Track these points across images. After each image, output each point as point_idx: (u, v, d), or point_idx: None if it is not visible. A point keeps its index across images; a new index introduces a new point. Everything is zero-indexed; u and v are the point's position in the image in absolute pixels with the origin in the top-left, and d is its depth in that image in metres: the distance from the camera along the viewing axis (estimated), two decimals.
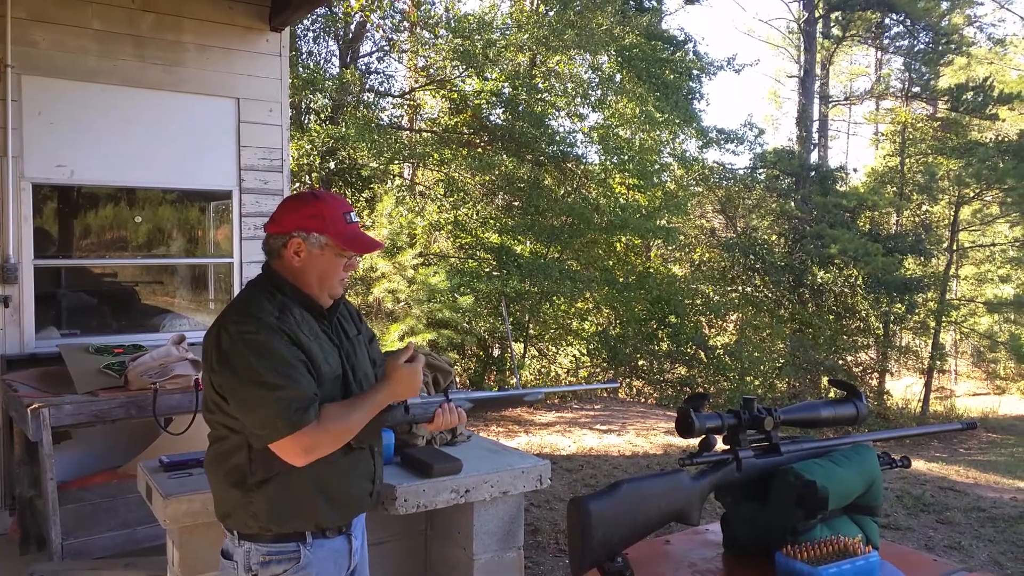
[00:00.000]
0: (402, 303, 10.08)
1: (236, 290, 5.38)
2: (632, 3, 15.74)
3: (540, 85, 13.70)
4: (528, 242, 13.28)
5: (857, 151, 45.91)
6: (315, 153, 11.48)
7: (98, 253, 5.41)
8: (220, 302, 5.66)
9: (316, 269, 1.96)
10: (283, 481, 1.87)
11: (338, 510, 1.95)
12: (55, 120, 4.72)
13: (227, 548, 1.96)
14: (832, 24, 20.96)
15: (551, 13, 13.53)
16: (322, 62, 13.34)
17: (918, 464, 7.69)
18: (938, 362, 18.59)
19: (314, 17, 12.29)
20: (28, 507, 4.24)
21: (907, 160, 19.84)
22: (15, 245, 4.59)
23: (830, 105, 23.21)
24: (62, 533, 3.76)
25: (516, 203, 13.36)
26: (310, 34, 12.94)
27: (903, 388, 18.72)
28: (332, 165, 12.10)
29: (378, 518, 2.68)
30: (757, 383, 14.36)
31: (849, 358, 16.72)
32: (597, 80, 14.28)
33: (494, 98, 13.22)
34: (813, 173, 18.17)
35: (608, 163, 13.92)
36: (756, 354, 15.03)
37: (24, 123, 4.61)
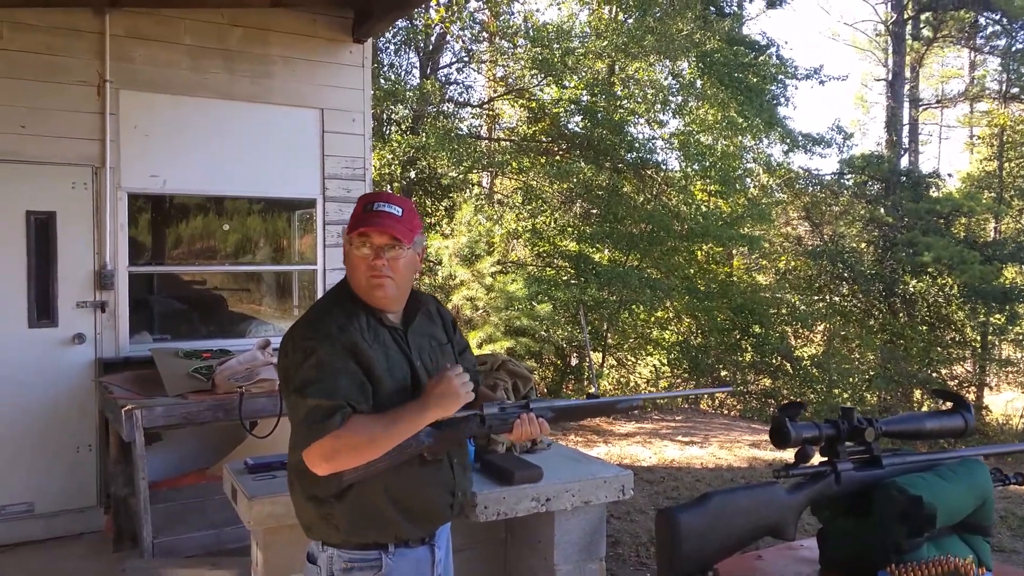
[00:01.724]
0: (480, 311, 10.12)
1: (319, 296, 5.48)
2: (712, 9, 15.50)
3: (619, 92, 13.60)
4: (606, 250, 13.17)
5: (950, 155, 44.24)
6: (396, 163, 11.65)
7: (188, 260, 5.58)
8: (304, 308, 5.74)
9: (350, 267, 1.95)
10: (357, 493, 1.85)
11: (415, 522, 1.93)
12: (149, 132, 4.90)
13: (312, 552, 1.96)
14: (922, 25, 20.24)
15: (630, 20, 13.44)
16: (403, 74, 13.55)
17: None
18: None
19: (395, 30, 12.50)
20: (122, 505, 4.38)
21: (1006, 164, 18.96)
22: (111, 252, 4.77)
23: (921, 108, 22.39)
24: (153, 532, 3.88)
25: (594, 211, 13.27)
26: (391, 47, 13.15)
27: (1003, 403, 17.80)
28: (412, 174, 12.26)
29: (457, 526, 2.66)
30: (846, 396, 13.88)
31: (944, 371, 16.01)
32: (677, 86, 14.09)
33: (572, 106, 13.19)
34: (904, 178, 17.51)
35: (689, 169, 13.71)
36: (845, 366, 14.53)
37: (121, 135, 4.80)
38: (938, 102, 24.85)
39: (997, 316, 15.76)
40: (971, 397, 16.07)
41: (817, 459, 1.62)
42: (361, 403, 1.79)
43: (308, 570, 1.96)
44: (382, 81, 11.89)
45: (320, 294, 5.48)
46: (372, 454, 1.76)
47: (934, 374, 15.42)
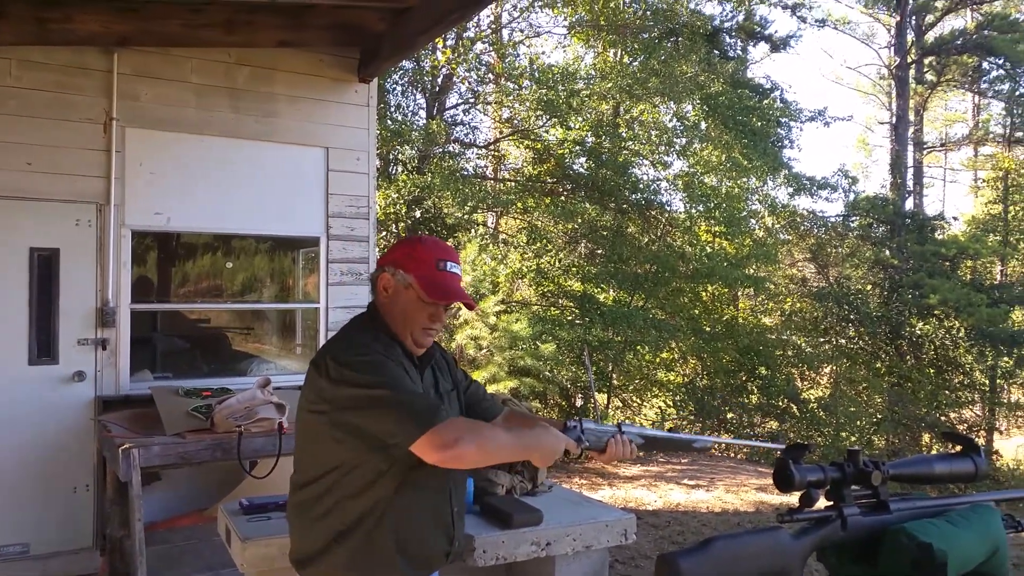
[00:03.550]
0: (484, 350, 10.06)
1: (322, 334, 5.45)
2: (716, 52, 15.68)
3: (624, 133, 13.70)
4: (611, 290, 13.16)
5: (955, 198, 44.37)
6: (401, 202, 11.70)
7: (191, 298, 5.57)
8: (306, 347, 5.73)
9: (399, 307, 1.95)
10: (367, 533, 1.84)
11: (413, 565, 1.91)
12: (155, 170, 4.92)
13: None
14: (926, 69, 20.44)
15: (635, 63, 13.58)
16: (410, 115, 13.68)
17: None
18: None
19: (402, 71, 12.65)
20: (118, 547, 4.30)
21: (1011, 207, 18.97)
22: (114, 290, 4.76)
23: (925, 151, 22.49)
24: (148, 574, 3.80)
25: (599, 251, 13.29)
26: (398, 88, 13.30)
27: (1014, 448, 17.59)
28: (418, 214, 12.30)
29: (455, 570, 2.60)
30: (853, 439, 13.72)
31: (952, 414, 15.85)
32: (682, 128, 14.20)
33: (577, 147, 13.28)
34: (909, 221, 17.53)
35: (693, 211, 13.74)
36: (852, 409, 14.40)
37: (126, 173, 4.82)
38: (942, 145, 24.99)
39: (1006, 359, 15.65)
40: (981, 441, 15.87)
41: (823, 503, 1.58)
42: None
43: None
44: (389, 122, 11.99)
45: (323, 332, 5.45)
46: (491, 455, 1.80)
47: (942, 417, 15.27)
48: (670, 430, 2.13)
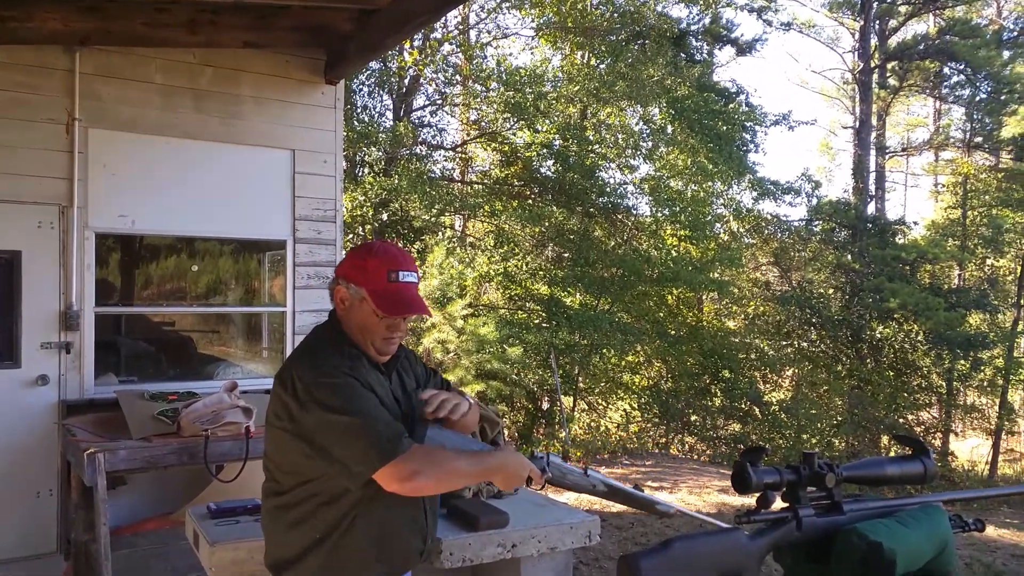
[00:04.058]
0: (451, 353, 10.08)
1: (288, 338, 5.43)
2: (683, 55, 15.84)
3: (591, 137, 13.79)
4: (578, 294, 13.24)
5: (916, 203, 45.20)
6: (368, 204, 11.67)
7: (156, 301, 5.52)
8: (273, 351, 5.71)
9: (355, 320, 1.95)
10: (343, 537, 1.86)
11: (388, 565, 1.94)
12: (118, 171, 4.87)
13: None
14: (888, 74, 20.80)
15: (602, 66, 13.67)
16: (376, 116, 13.65)
17: (988, 530, 7.33)
18: (1007, 422, 17.84)
19: (369, 72, 12.62)
20: (83, 552, 4.26)
21: (970, 212, 19.39)
22: (77, 293, 4.71)
23: (887, 156, 22.90)
24: None
25: (566, 255, 13.37)
26: (365, 88, 13.27)
27: (968, 449, 17.98)
28: (385, 217, 12.28)
29: (422, 572, 2.62)
30: (814, 441, 13.95)
31: (911, 416, 16.16)
32: (648, 131, 14.32)
33: (544, 150, 13.34)
34: (871, 225, 17.84)
35: (659, 214, 13.87)
36: (813, 411, 14.64)
37: (89, 174, 4.77)
38: (904, 150, 25.44)
39: (962, 362, 15.99)
40: (937, 443, 16.22)
41: (779, 505, 1.63)
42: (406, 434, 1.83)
43: None
44: (355, 123, 11.96)
45: (289, 336, 5.43)
46: (448, 483, 1.84)
47: (901, 420, 15.56)
48: (634, 487, 2.11)
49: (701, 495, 8.02)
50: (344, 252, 5.73)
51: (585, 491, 1.98)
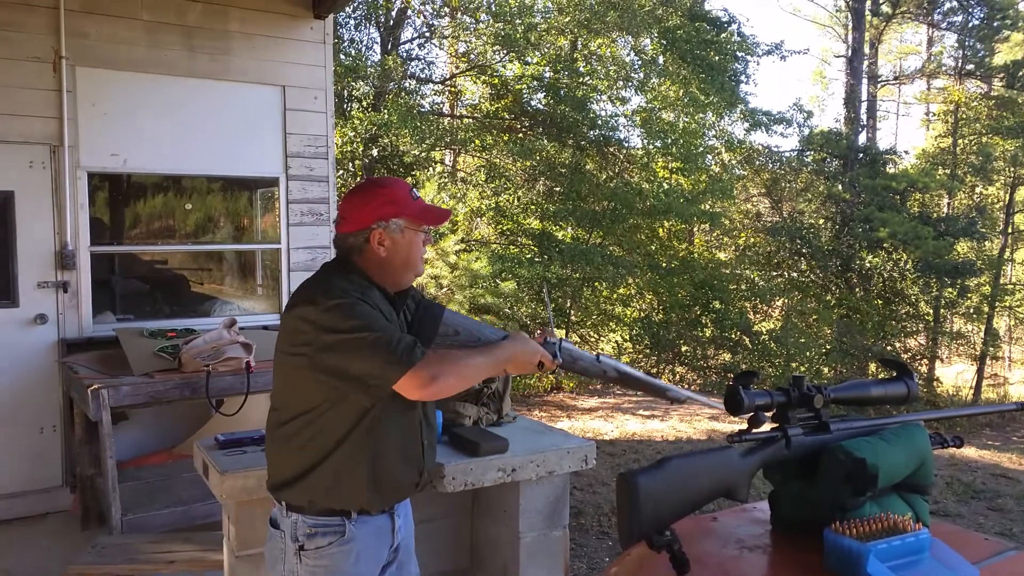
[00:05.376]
0: (445, 289, 10.15)
1: (284, 276, 5.47)
2: None
3: (581, 69, 13.62)
4: (570, 228, 13.24)
5: (907, 132, 44.87)
6: (358, 140, 11.58)
7: (150, 240, 5.54)
8: (268, 288, 5.76)
9: (401, 254, 2.01)
10: (341, 461, 1.93)
11: (382, 496, 2.01)
12: (108, 110, 4.84)
13: (275, 517, 2.02)
14: (882, 1, 20.48)
15: None
16: (364, 50, 13.42)
17: (969, 451, 7.55)
18: (991, 348, 18.14)
19: (356, 4, 12.35)
20: (89, 485, 4.38)
21: (960, 140, 19.32)
22: (72, 232, 4.73)
23: (879, 85, 22.70)
24: (122, 510, 3.89)
25: (557, 188, 13.32)
26: (351, 21, 13.01)
27: (954, 375, 18.32)
28: (375, 152, 12.19)
29: (426, 496, 2.72)
30: (803, 369, 14.16)
31: (898, 344, 16.39)
32: (640, 63, 14.15)
33: (535, 83, 13.19)
34: (862, 155, 17.79)
35: (651, 147, 13.80)
36: (802, 340, 14.81)
37: (79, 113, 4.74)
38: (896, 79, 25.18)
39: (949, 290, 16.15)
40: (923, 369, 16.50)
41: (769, 425, 1.71)
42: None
43: (272, 535, 2.02)
44: (343, 57, 11.77)
45: (285, 273, 5.47)
46: (468, 380, 1.92)
47: (888, 347, 15.79)
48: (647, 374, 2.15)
49: (691, 423, 8.21)
50: (336, 189, 5.73)
51: (596, 376, 2.06)
